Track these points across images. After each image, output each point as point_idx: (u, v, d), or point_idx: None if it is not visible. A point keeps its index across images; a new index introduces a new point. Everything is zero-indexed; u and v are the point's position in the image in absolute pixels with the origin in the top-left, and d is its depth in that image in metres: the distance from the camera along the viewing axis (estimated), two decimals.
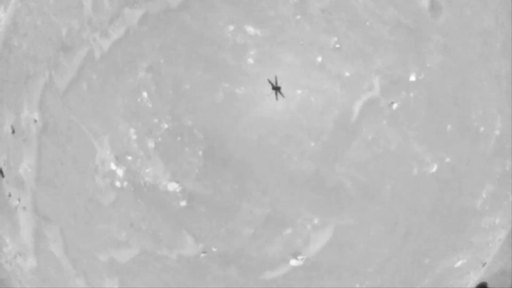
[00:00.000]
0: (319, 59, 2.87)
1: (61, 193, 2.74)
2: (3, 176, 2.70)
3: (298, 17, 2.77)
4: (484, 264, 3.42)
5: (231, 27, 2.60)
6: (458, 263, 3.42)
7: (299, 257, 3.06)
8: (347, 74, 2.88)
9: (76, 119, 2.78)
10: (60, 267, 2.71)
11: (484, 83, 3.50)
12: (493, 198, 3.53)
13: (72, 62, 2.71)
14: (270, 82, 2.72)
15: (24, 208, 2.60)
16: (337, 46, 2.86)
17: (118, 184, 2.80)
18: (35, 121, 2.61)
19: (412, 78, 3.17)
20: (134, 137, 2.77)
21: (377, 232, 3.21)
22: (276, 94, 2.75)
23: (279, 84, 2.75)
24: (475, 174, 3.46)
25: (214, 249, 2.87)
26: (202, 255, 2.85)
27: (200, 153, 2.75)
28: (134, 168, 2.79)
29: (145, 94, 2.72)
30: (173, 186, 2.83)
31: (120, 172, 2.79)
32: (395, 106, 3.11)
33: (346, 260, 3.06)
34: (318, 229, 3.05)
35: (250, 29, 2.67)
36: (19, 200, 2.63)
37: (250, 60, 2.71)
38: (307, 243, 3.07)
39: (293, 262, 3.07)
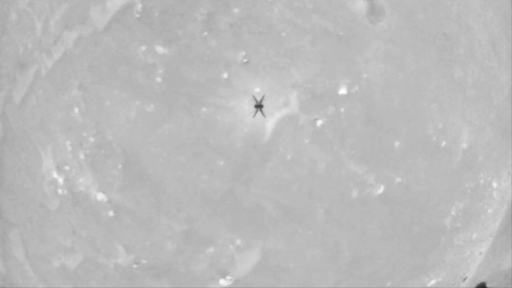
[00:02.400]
0: (225, 75, 2.84)
1: (18, 198, 3.19)
2: None
3: (205, 33, 2.83)
4: (465, 279, 3.14)
5: (143, 48, 2.78)
6: (432, 282, 3.16)
7: (228, 277, 3.04)
8: (257, 90, 2.80)
9: (28, 130, 3.19)
10: (24, 272, 3.02)
11: (444, 93, 3.18)
12: (466, 215, 3.19)
13: (25, 79, 3.15)
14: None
15: None
16: (245, 61, 2.80)
17: (60, 191, 3.15)
18: None
19: (342, 91, 2.92)
20: (69, 148, 3.11)
21: (315, 257, 3.09)
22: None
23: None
24: (438, 193, 3.12)
25: (144, 261, 3.08)
26: (135, 266, 3.03)
27: (120, 166, 2.96)
28: (71, 177, 3.13)
29: (76, 110, 3.05)
30: (101, 196, 3.09)
31: (60, 180, 3.14)
32: (319, 123, 2.87)
33: (283, 284, 2.99)
34: (242, 250, 2.98)
35: (160, 49, 2.82)
36: None
37: (159, 79, 2.85)
38: (233, 264, 3.03)
39: (222, 282, 3.06)
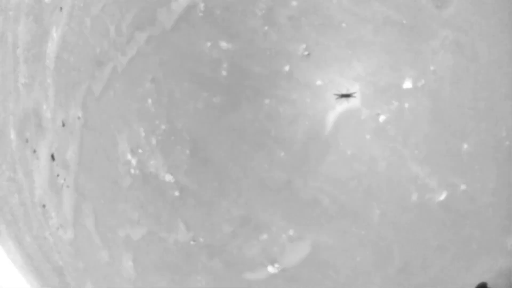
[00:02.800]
0: (287, 68, 2.96)
1: (94, 175, 3.56)
2: (54, 159, 3.69)
3: (266, 28, 2.96)
4: None
5: (209, 44, 3.02)
6: None
7: (276, 265, 3.28)
8: (319, 82, 2.88)
9: (106, 118, 3.63)
10: (91, 239, 3.41)
11: None
12: None
13: (103, 74, 3.56)
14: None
15: (68, 186, 3.47)
16: (306, 53, 2.88)
17: (132, 171, 3.56)
18: (79, 118, 3.54)
19: (408, 84, 2.83)
20: (143, 134, 3.49)
21: (365, 259, 3.10)
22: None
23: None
24: (505, 207, 2.89)
25: (201, 239, 3.44)
26: (192, 242, 3.34)
27: (188, 151, 3.28)
28: (143, 160, 3.51)
29: (149, 100, 3.40)
30: (169, 177, 3.45)
31: (134, 162, 3.56)
32: (382, 118, 2.84)
33: (329, 281, 3.15)
34: (294, 240, 3.18)
35: (224, 44, 3.04)
36: (64, 179, 3.50)
37: (224, 72, 3.07)
38: (283, 253, 3.25)
39: (270, 269, 3.31)
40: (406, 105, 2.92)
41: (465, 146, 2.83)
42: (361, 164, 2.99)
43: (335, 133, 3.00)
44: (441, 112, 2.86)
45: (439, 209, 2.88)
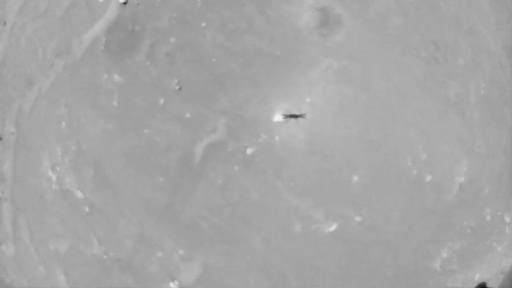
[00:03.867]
0: (161, 101, 3.32)
1: (26, 189, 3.87)
2: None
3: (148, 63, 3.33)
4: None
5: (105, 76, 3.44)
6: None
7: (176, 282, 3.55)
8: (188, 115, 3.21)
9: (33, 136, 4.13)
10: (29, 254, 3.67)
11: (432, 117, 2.74)
12: (465, 256, 2.87)
13: (32, 94, 4.04)
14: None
15: (5, 199, 3.73)
16: (177, 88, 3.23)
17: (54, 187, 3.99)
18: (13, 133, 3.84)
19: (278, 118, 2.96)
20: (59, 153, 3.93)
21: (259, 282, 3.18)
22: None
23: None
24: (420, 234, 2.82)
25: (111, 254, 3.68)
26: (105, 256, 3.64)
27: (91, 171, 3.67)
28: (60, 176, 3.93)
29: (63, 123, 3.85)
30: (80, 194, 3.85)
31: (54, 178, 3.99)
32: (249, 150, 3.07)
33: None
34: (185, 260, 3.48)
35: (116, 77, 3.44)
36: (2, 192, 3.79)
37: (115, 103, 3.48)
38: (179, 271, 3.53)
39: (171, 285, 3.57)
40: (277, 138, 3.01)
41: (355, 178, 2.78)
42: (233, 193, 3.13)
43: (204, 162, 3.29)
44: (321, 144, 2.87)
45: (332, 240, 2.87)
